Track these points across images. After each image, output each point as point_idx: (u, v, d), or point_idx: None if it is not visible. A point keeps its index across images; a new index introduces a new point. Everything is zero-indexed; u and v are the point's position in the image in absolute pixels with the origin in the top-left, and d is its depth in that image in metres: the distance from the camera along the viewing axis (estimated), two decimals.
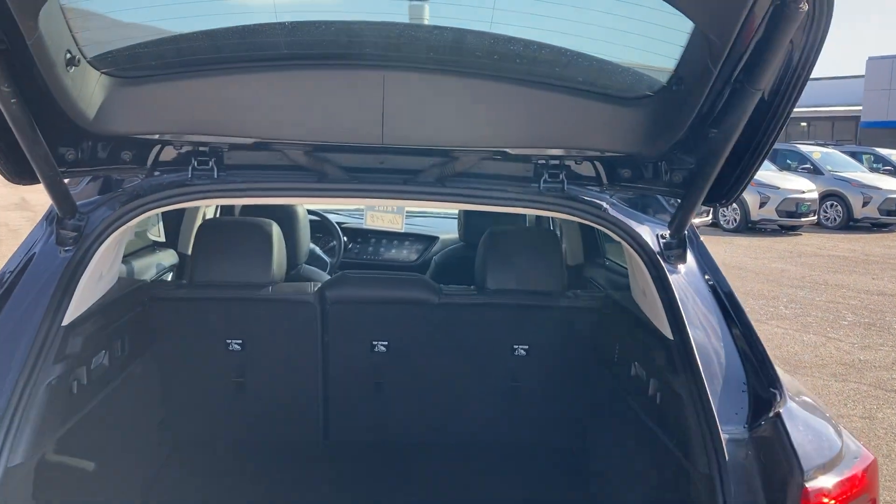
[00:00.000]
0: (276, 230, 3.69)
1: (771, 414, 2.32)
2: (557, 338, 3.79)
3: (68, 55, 2.24)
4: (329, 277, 4.01)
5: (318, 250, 5.99)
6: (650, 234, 2.87)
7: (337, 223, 6.17)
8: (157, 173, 2.86)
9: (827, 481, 2.22)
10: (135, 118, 2.58)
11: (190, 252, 3.88)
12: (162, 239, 4.97)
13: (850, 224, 20.91)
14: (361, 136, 2.62)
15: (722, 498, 2.27)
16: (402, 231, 6.30)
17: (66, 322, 2.57)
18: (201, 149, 2.78)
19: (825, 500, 2.20)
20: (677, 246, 2.83)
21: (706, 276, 2.88)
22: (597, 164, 2.96)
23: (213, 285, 3.61)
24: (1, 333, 2.43)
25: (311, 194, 2.88)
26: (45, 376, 2.44)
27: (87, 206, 2.79)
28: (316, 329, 3.72)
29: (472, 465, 3.75)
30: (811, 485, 2.18)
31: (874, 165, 24.59)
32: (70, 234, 2.67)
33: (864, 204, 20.75)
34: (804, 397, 2.67)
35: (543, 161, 2.88)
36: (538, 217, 5.53)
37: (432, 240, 6.36)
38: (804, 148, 23.85)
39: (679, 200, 2.82)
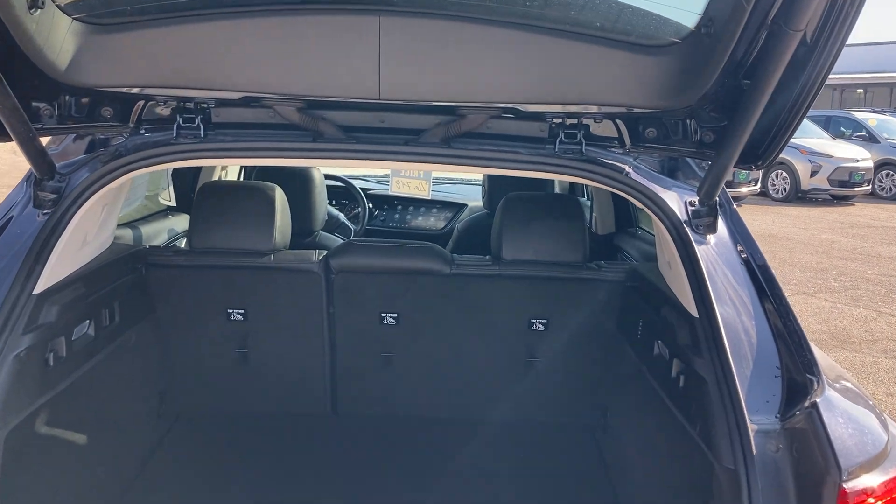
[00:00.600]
0: (279, 195, 3.48)
1: (807, 403, 2.06)
2: (578, 312, 3.53)
3: None
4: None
5: (341, 217, 5.81)
6: (677, 200, 2.60)
7: (362, 189, 5.98)
8: (142, 131, 2.66)
9: (870, 480, 1.95)
10: (111, 69, 2.37)
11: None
12: (173, 203, 4.82)
13: None
14: (356, 90, 2.37)
15: (748, 496, 2.02)
16: (429, 198, 6.12)
17: (38, 290, 2.41)
18: (187, 105, 2.58)
19: (870, 500, 1.93)
20: (707, 214, 2.56)
21: (738, 248, 2.60)
22: (619, 122, 2.67)
23: (213, 252, 3.43)
24: None
25: (304, 155, 2.66)
26: (11, 347, 2.28)
27: (67, 168, 2.61)
28: (321, 299, 3.53)
29: (484, 442, 3.54)
30: (851, 485, 1.91)
31: None
32: (49, 196, 2.51)
33: None
34: (845, 383, 2.38)
35: (559, 120, 2.61)
36: (571, 184, 5.26)
37: (460, 207, 6.12)
38: (859, 115, 22.88)
39: (709, 163, 2.54)
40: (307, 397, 3.75)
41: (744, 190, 17.65)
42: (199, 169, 4.85)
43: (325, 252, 3.56)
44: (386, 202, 6.17)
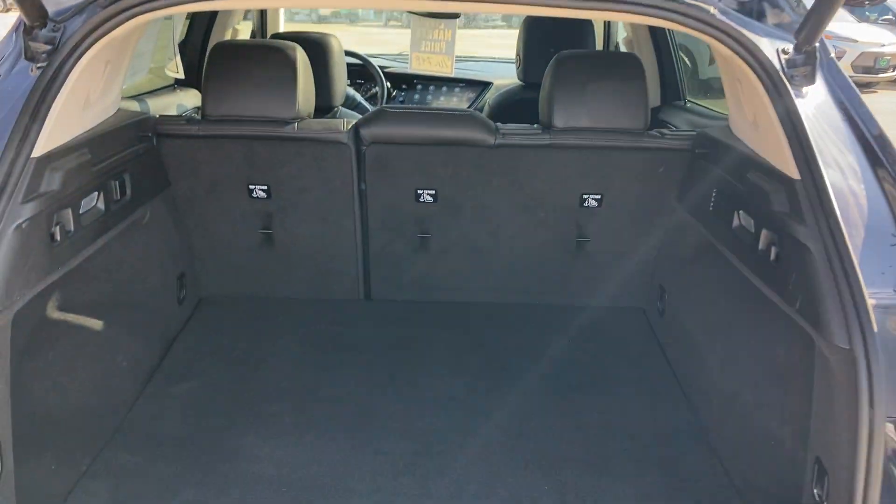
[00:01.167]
0: (300, 56, 3.10)
1: None
2: (636, 185, 3.21)
3: None
4: None
5: (358, 97, 5.40)
6: (770, 47, 2.23)
7: (380, 67, 5.55)
8: None
9: None
10: None
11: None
12: (181, 75, 4.42)
13: None
14: None
15: (867, 378, 1.76)
16: (452, 76, 5.69)
17: (37, 153, 2.08)
18: None
19: None
20: (804, 63, 2.20)
21: (841, 102, 2.25)
22: None
23: (229, 120, 3.07)
24: None
25: None
26: (12, 217, 1.97)
27: (61, 14, 2.22)
28: (351, 174, 3.20)
29: (529, 328, 3.29)
30: None
31: None
32: (42, 47, 2.14)
33: None
34: None
35: None
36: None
37: (485, 86, 5.69)
38: None
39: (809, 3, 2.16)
40: (337, 282, 3.48)
41: None
42: (207, 36, 4.42)
43: (354, 120, 3.21)
44: (405, 81, 5.74)
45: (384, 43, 8.34)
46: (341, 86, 4.33)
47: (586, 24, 4.49)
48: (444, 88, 5.83)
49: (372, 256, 3.41)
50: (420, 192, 3.25)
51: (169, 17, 3.76)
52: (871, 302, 1.83)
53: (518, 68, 4.62)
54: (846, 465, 1.79)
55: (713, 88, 5.18)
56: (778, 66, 2.20)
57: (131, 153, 2.78)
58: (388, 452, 2.48)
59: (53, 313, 2.30)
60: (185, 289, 3.29)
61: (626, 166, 3.16)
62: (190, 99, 4.39)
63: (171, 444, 2.50)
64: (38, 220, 2.08)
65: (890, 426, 1.82)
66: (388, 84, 5.70)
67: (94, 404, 2.49)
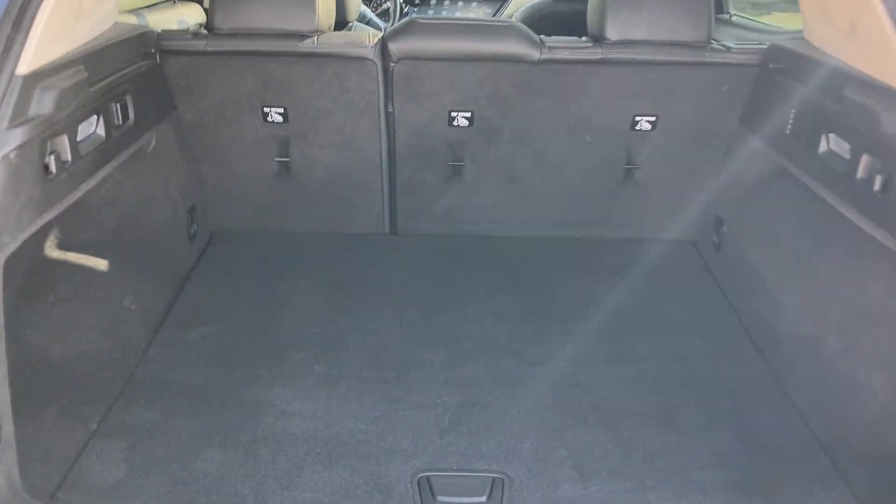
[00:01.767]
0: None
1: None
2: (695, 105, 2.88)
3: None
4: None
5: (368, 13, 5.01)
6: None
7: None
8: None
9: None
10: None
11: None
12: None
13: None
14: None
15: None
16: None
17: (23, 70, 1.77)
18: None
19: None
20: None
21: None
22: None
23: (241, 35, 2.73)
24: None
25: None
26: None
27: None
28: (377, 94, 2.87)
29: (573, 264, 3.02)
30: None
31: None
32: None
33: None
34: None
35: None
36: None
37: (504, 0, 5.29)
38: None
39: None
40: (361, 215, 3.19)
41: None
42: None
43: (381, 33, 2.85)
44: None
45: None
46: (356, 1, 3.95)
47: None
48: (461, 3, 5.43)
49: (399, 186, 3.11)
50: (454, 114, 2.92)
51: None
52: None
53: None
54: None
55: (759, 2, 4.77)
56: None
57: (133, 72, 2.45)
58: (431, 406, 2.23)
59: (52, 253, 2.02)
60: (195, 223, 3.00)
61: (685, 84, 2.82)
62: (192, 14, 4.02)
63: (189, 397, 2.25)
64: (28, 149, 1.78)
65: None
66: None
67: (101, 353, 2.23)
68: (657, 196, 3.11)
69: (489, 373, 2.38)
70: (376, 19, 5.07)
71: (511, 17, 4.76)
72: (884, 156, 1.90)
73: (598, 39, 2.77)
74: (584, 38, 2.84)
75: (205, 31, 2.85)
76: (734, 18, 4.13)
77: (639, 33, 2.71)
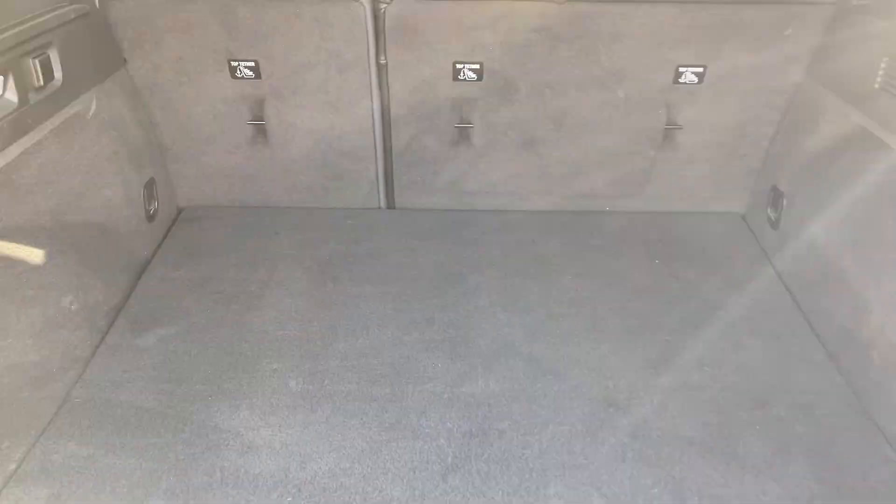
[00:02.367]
0: None
1: None
2: (753, 53, 2.37)
3: None
4: None
5: None
6: None
7: None
8: None
9: None
10: None
11: None
12: None
13: None
14: None
15: None
16: None
17: None
18: None
19: None
20: None
21: None
22: None
23: None
24: None
25: None
26: None
27: None
28: (366, 43, 2.39)
29: (602, 243, 2.57)
30: None
31: None
32: None
33: None
34: None
35: None
36: None
37: None
38: None
39: None
40: (351, 187, 2.73)
41: None
42: None
43: None
44: None
45: None
46: None
47: None
48: None
49: (395, 153, 2.64)
50: (460, 66, 2.43)
51: None
52: None
53: None
54: None
55: None
56: None
57: (58, 18, 1.97)
58: (431, 435, 1.80)
59: None
60: (155, 200, 2.55)
61: (740, 27, 2.32)
62: None
63: (135, 424, 1.83)
64: None
65: None
66: None
67: (29, 368, 1.81)
68: (701, 162, 2.63)
69: (502, 387, 1.95)
70: None
71: None
72: None
73: None
74: None
75: None
76: None
77: None
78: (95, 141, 2.19)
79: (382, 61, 2.42)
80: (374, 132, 2.58)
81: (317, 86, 2.48)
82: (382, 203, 2.76)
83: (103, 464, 1.71)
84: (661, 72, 2.42)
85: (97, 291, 2.13)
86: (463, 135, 2.62)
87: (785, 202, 2.42)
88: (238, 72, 2.44)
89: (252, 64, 2.43)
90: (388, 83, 2.48)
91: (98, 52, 2.23)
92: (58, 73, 1.96)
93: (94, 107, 2.17)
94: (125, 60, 2.40)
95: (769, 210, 2.52)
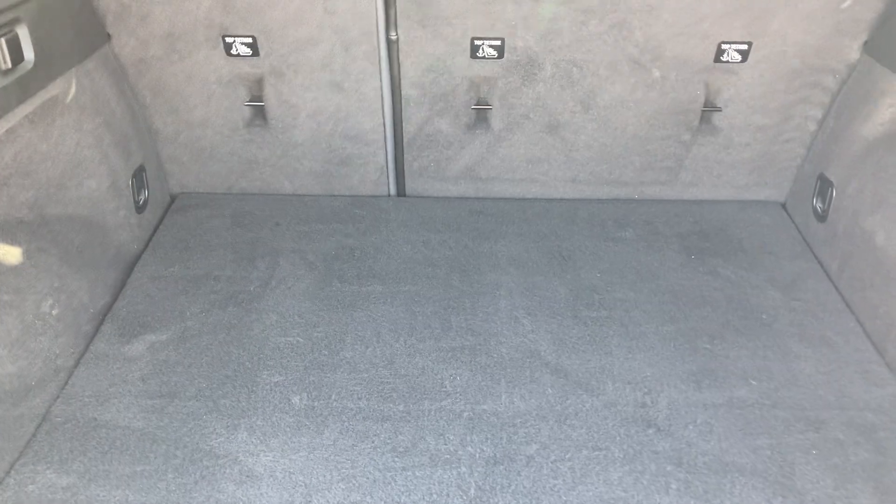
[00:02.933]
0: None
1: None
2: (804, 29, 2.14)
3: None
4: None
5: None
6: None
7: None
8: None
9: None
10: None
11: None
12: None
13: None
14: None
15: None
16: None
17: None
18: None
19: None
20: None
21: None
22: None
23: None
24: None
25: None
26: None
27: None
28: (374, 17, 2.16)
29: (632, 235, 2.36)
30: None
31: None
32: None
33: None
34: None
35: None
36: None
37: None
38: None
39: None
40: (358, 172, 2.51)
41: None
42: None
43: None
44: None
45: None
46: None
47: None
48: None
49: (407, 137, 2.42)
50: (478, 42, 2.21)
51: None
52: None
53: None
54: None
55: None
56: None
57: None
58: (451, 462, 1.62)
59: None
60: (145, 189, 2.34)
61: (790, 1, 2.09)
62: None
63: (121, 448, 1.64)
64: None
65: None
66: None
67: (4, 382, 1.62)
68: (741, 147, 2.41)
69: (528, 404, 1.76)
70: None
71: None
72: None
73: None
74: None
75: None
76: None
77: None
78: (76, 126, 1.98)
79: (393, 37, 2.20)
80: (383, 114, 2.36)
81: (320, 64, 2.26)
82: (392, 190, 2.55)
83: (84, 496, 1.53)
84: (701, 49, 2.19)
85: (81, 293, 1.94)
86: (480, 117, 2.40)
87: (834, 192, 2.21)
88: (234, 49, 2.22)
89: (249, 40, 2.20)
90: (398, 61, 2.25)
91: (77, 27, 2.01)
92: (28, 54, 1.74)
93: (73, 89, 1.96)
94: (109, 36, 2.18)
95: (815, 200, 2.31)
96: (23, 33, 1.73)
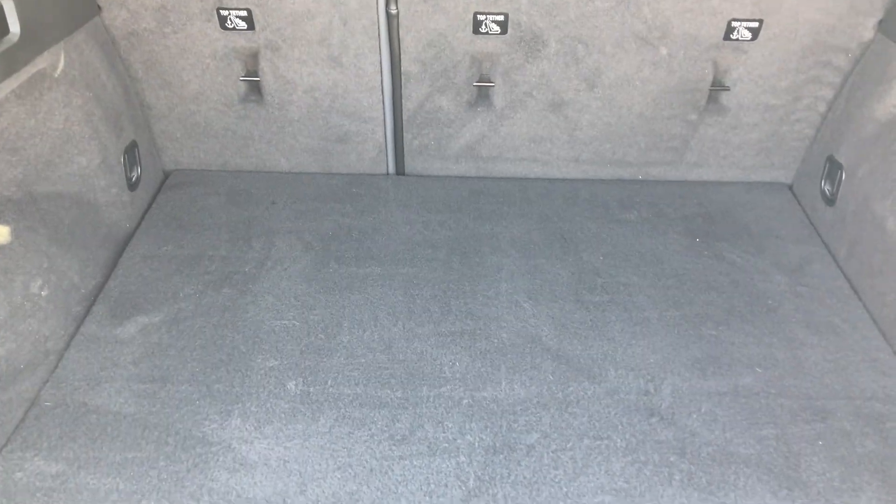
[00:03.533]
0: None
1: None
2: (817, 7, 2.08)
3: None
4: None
5: None
6: None
7: None
8: None
9: None
10: None
11: None
12: None
13: None
14: None
15: None
16: None
17: None
18: None
19: None
20: None
21: None
22: None
23: None
24: None
25: None
26: None
27: None
28: None
29: (637, 214, 2.31)
30: None
31: None
32: None
33: None
34: None
35: None
36: None
37: None
38: None
39: None
40: (356, 150, 2.46)
41: None
42: None
43: None
44: None
45: None
46: None
47: None
48: None
49: (406, 114, 2.36)
50: (481, 17, 2.14)
51: None
52: None
53: None
54: None
55: None
56: None
57: None
58: (450, 450, 1.58)
59: None
60: (138, 166, 2.28)
61: None
62: None
63: (112, 434, 1.61)
64: None
65: None
66: None
67: None
68: (748, 127, 2.35)
69: (528, 391, 1.72)
70: None
71: None
72: None
73: None
74: None
75: None
76: None
77: None
78: (65, 101, 1.92)
79: (393, 10, 2.13)
80: (382, 90, 2.30)
81: (318, 38, 2.19)
82: (391, 169, 2.50)
83: (74, 484, 1.50)
84: (710, 26, 2.13)
85: (72, 273, 1.89)
86: (482, 94, 2.34)
87: (844, 175, 2.15)
88: (228, 21, 2.15)
89: (244, 13, 2.13)
90: (398, 35, 2.18)
91: (67, 7, 1.94)
92: (14, 26, 1.68)
93: (62, 63, 1.89)
94: (99, 8, 2.11)
95: (824, 183, 2.25)
96: (7, 6, 1.66)
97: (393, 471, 1.53)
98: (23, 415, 1.64)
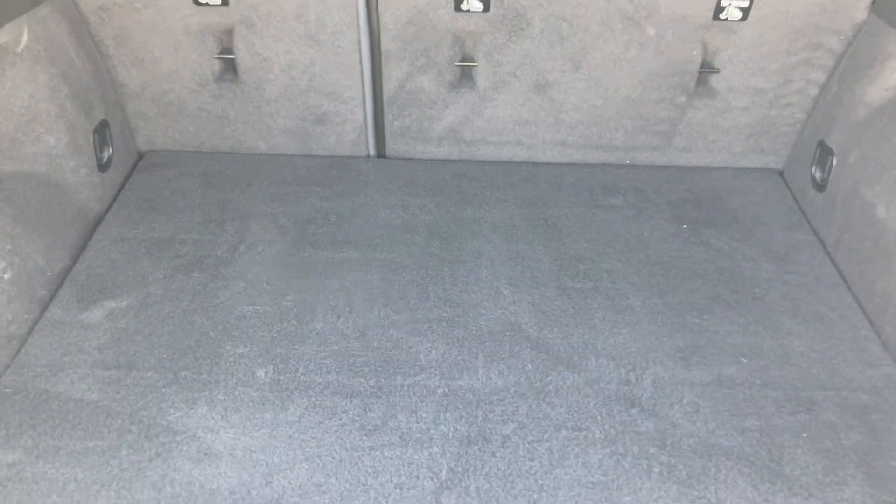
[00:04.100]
0: None
1: None
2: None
3: None
4: None
5: None
6: None
7: None
8: None
9: None
10: None
11: None
12: None
13: None
14: None
15: None
16: None
17: None
18: None
19: None
20: None
21: None
22: None
23: None
24: None
25: None
26: None
27: None
28: None
29: (623, 200, 2.26)
30: None
31: None
32: None
33: None
34: None
35: None
36: None
37: None
38: None
39: None
40: (335, 132, 2.39)
41: None
42: None
43: None
44: None
45: None
46: None
47: None
48: None
49: (387, 95, 2.30)
50: None
51: None
52: None
53: None
54: None
55: None
56: None
57: None
58: (423, 441, 1.53)
59: None
60: (109, 146, 2.21)
61: None
62: None
63: (73, 423, 1.55)
64: None
65: None
66: None
67: None
68: (738, 111, 2.29)
69: (506, 380, 1.67)
70: None
71: None
72: None
73: None
74: None
75: None
76: None
77: None
78: (30, 78, 1.85)
79: None
80: (361, 69, 2.23)
81: (294, 14, 2.12)
82: (371, 151, 2.43)
83: (31, 473, 1.44)
84: (699, 5, 2.06)
85: (37, 255, 1.83)
86: (465, 74, 2.27)
87: (834, 161, 2.10)
88: None
89: None
90: (377, 12, 2.12)
91: None
92: None
93: (25, 38, 1.82)
94: None
95: (814, 169, 2.20)
96: None
97: (363, 462, 1.48)
98: None
